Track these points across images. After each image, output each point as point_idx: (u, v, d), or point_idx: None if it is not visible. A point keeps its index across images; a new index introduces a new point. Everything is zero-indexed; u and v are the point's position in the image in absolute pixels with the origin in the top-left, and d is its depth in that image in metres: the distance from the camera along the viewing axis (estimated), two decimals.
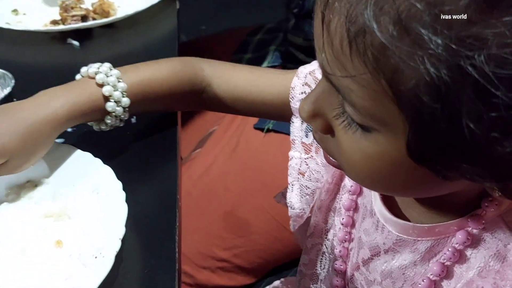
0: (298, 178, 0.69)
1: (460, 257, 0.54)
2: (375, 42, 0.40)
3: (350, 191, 0.65)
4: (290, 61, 1.22)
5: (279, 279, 0.95)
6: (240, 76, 0.77)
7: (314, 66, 0.70)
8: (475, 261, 0.53)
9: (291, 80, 0.71)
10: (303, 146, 0.69)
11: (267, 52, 1.29)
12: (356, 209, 0.65)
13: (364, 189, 0.64)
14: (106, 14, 1.05)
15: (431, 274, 0.55)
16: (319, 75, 0.68)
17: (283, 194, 0.71)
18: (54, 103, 0.68)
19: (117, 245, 0.60)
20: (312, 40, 0.48)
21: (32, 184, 0.70)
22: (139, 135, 0.79)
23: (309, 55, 1.12)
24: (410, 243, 0.57)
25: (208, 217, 1.10)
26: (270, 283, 0.97)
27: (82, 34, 1.02)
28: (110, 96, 0.71)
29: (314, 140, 0.66)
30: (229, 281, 1.10)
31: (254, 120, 1.12)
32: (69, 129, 0.73)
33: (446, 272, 0.55)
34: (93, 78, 0.71)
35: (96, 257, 0.60)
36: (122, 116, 0.73)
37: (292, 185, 0.70)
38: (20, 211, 0.67)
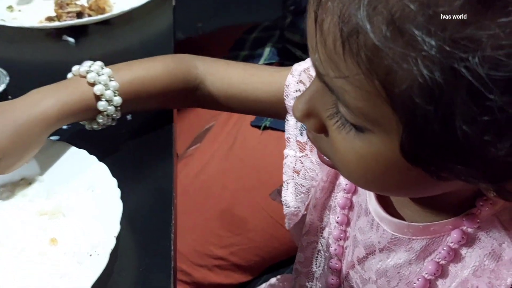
0: (293, 176, 0.69)
1: (455, 256, 0.54)
2: (368, 42, 0.40)
3: (345, 189, 0.65)
4: (287, 58, 1.22)
5: (275, 276, 0.95)
6: (234, 73, 0.77)
7: (308, 63, 0.69)
8: (470, 260, 0.53)
9: (285, 77, 0.71)
10: (297, 144, 0.69)
11: (264, 50, 1.28)
12: (351, 207, 0.65)
13: (359, 187, 0.64)
14: (101, 10, 1.05)
15: (426, 273, 0.55)
16: (313, 72, 0.67)
17: (279, 192, 0.71)
18: (45, 102, 0.68)
19: (112, 243, 0.59)
20: None
21: (27, 181, 0.70)
22: (135, 132, 0.79)
23: (307, 52, 1.11)
24: (405, 242, 0.57)
25: (204, 215, 1.10)
26: (266, 280, 0.97)
27: (77, 31, 1.02)
28: (102, 95, 0.70)
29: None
30: (225, 279, 1.10)
31: (251, 117, 1.12)
32: (64, 127, 0.73)
33: (441, 271, 0.55)
34: (85, 77, 0.71)
35: (91, 255, 0.60)
36: (114, 115, 0.72)
37: (287, 183, 0.69)
38: (14, 209, 0.67)
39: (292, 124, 0.69)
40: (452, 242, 0.53)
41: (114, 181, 0.66)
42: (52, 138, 0.72)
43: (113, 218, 0.61)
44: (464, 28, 0.37)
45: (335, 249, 0.66)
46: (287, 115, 0.71)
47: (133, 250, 0.65)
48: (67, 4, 1.04)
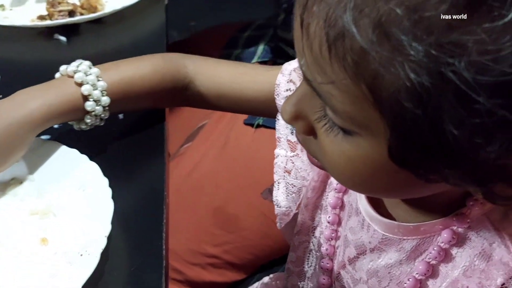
0: (284, 176, 0.69)
1: (445, 256, 0.54)
2: (355, 46, 0.39)
3: (336, 189, 0.64)
4: (281, 56, 1.22)
5: (269, 275, 0.95)
6: (223, 72, 0.76)
7: None
8: (461, 260, 0.53)
9: (275, 77, 0.70)
10: (288, 144, 0.69)
11: (257, 48, 1.28)
12: (342, 207, 0.65)
13: None
14: (93, 9, 1.05)
15: (417, 273, 0.55)
16: None
17: (270, 191, 0.71)
18: (31, 104, 0.67)
19: (103, 243, 0.59)
20: None
21: (17, 181, 0.69)
22: (126, 131, 0.79)
23: None
24: (395, 242, 0.57)
25: (197, 214, 1.10)
26: (260, 279, 0.97)
27: (69, 30, 1.01)
28: (89, 95, 0.69)
29: None
30: (219, 277, 1.10)
31: (244, 115, 1.12)
32: (55, 126, 0.72)
33: (432, 271, 0.55)
34: (72, 77, 0.70)
35: (81, 255, 0.60)
36: (102, 115, 0.72)
37: (278, 183, 0.69)
38: (5, 208, 0.66)
39: (283, 124, 0.69)
40: (442, 242, 0.53)
41: (105, 181, 0.65)
42: (43, 137, 0.72)
43: (104, 217, 0.61)
44: (450, 32, 0.37)
45: (327, 249, 0.66)
46: (278, 115, 0.70)
47: (124, 249, 0.64)
48: (59, 3, 1.04)
